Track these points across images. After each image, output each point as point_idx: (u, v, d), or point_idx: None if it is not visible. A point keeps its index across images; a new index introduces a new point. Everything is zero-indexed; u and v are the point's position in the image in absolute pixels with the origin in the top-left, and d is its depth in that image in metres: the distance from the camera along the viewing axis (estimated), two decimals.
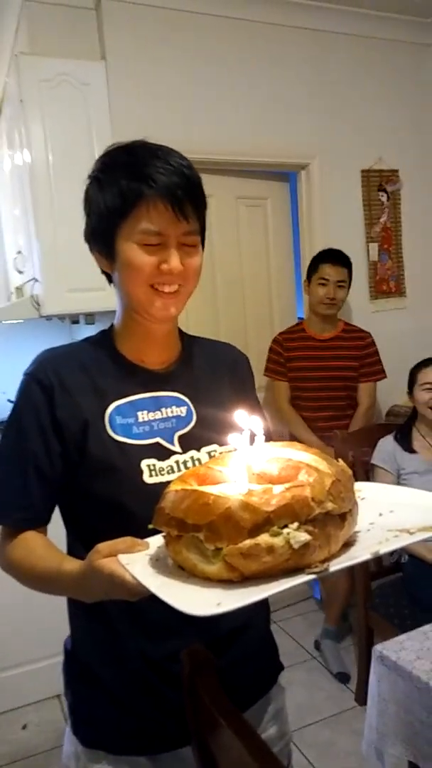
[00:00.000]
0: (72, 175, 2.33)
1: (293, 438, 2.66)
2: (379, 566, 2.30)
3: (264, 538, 0.64)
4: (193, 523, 0.67)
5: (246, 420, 0.76)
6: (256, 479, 0.70)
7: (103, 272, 0.97)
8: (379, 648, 1.32)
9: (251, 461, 0.73)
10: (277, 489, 0.67)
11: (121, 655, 0.93)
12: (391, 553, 2.37)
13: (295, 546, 0.64)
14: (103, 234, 0.90)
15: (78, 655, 1.00)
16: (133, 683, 0.93)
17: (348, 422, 2.64)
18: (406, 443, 2.23)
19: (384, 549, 0.67)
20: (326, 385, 2.64)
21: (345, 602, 2.59)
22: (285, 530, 0.65)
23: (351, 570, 2.44)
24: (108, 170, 0.89)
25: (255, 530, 0.64)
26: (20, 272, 2.75)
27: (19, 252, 2.76)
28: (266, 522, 0.65)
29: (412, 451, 2.21)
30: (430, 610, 1.95)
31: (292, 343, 2.71)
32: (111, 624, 0.92)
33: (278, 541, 0.64)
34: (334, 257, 2.63)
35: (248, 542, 0.64)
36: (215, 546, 0.66)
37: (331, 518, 0.68)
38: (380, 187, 3.08)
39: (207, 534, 0.66)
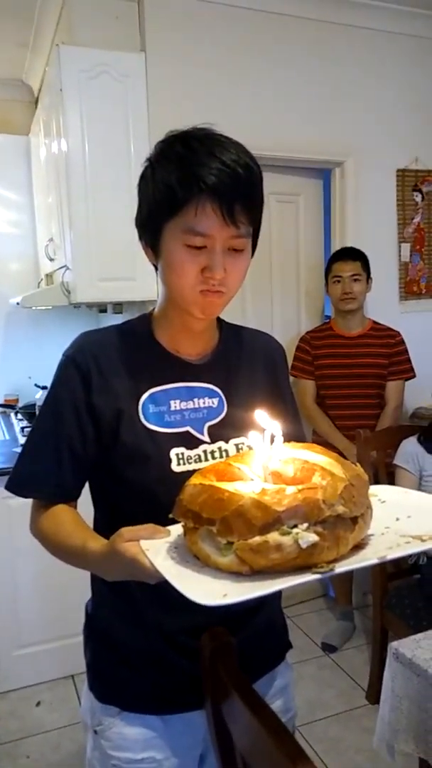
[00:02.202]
0: (107, 166, 2.37)
1: (317, 437, 2.67)
2: (397, 567, 2.29)
3: (273, 536, 0.67)
4: (207, 517, 0.70)
5: (266, 420, 0.78)
6: (272, 479, 0.73)
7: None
8: (395, 645, 1.32)
9: (269, 461, 0.75)
10: (290, 490, 0.69)
11: (138, 624, 0.96)
12: (410, 555, 2.37)
13: (303, 546, 0.66)
14: (150, 227, 0.90)
15: (97, 618, 1.04)
16: (148, 651, 0.97)
17: (375, 422, 2.63)
18: (429, 445, 2.21)
19: (392, 555, 0.69)
20: (354, 383, 2.64)
21: (349, 580, 2.72)
22: (294, 530, 0.67)
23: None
24: (162, 160, 0.87)
25: (265, 528, 0.67)
26: (51, 259, 2.80)
27: (51, 239, 2.80)
28: (276, 521, 0.67)
29: None
30: None
31: (320, 341, 2.72)
32: (131, 595, 0.95)
33: (287, 540, 0.67)
34: (345, 253, 2.67)
35: (258, 539, 0.67)
36: (227, 540, 0.69)
37: (341, 521, 0.70)
38: (415, 187, 3.05)
39: (220, 528, 0.69)
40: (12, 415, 3.29)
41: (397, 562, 2.29)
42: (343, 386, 2.65)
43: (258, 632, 1.02)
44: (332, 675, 2.47)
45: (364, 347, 2.66)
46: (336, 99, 2.82)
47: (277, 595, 1.09)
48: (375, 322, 2.75)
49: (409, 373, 2.69)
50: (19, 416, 3.16)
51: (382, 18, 2.83)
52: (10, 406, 3.34)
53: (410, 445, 2.24)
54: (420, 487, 2.16)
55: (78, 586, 1.05)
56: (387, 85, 2.93)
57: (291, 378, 2.73)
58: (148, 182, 0.89)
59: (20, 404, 3.30)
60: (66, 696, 2.35)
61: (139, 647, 0.97)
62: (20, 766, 2.07)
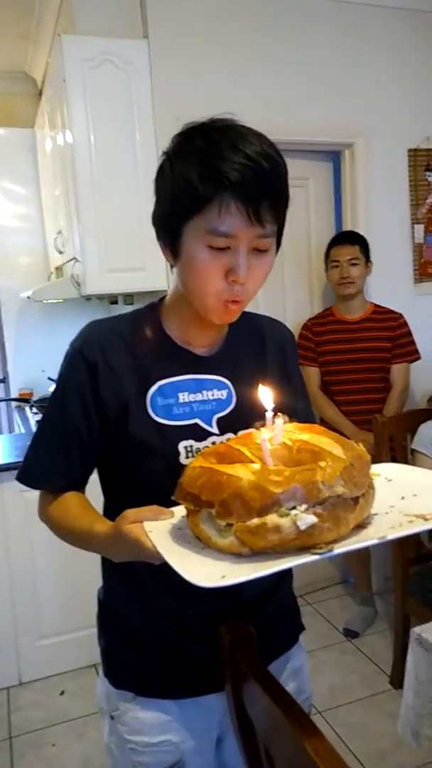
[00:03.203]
0: (113, 155, 2.35)
1: (324, 423, 2.65)
2: (419, 552, 2.27)
3: (272, 518, 0.67)
4: (206, 500, 0.70)
5: (269, 400, 0.77)
6: (272, 460, 0.72)
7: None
8: (417, 630, 1.31)
9: (270, 442, 0.74)
10: (289, 471, 0.69)
11: (149, 610, 0.97)
12: (430, 539, 2.35)
13: (302, 527, 0.66)
14: (169, 226, 0.85)
15: (109, 605, 1.05)
16: (161, 637, 0.97)
17: (381, 405, 2.61)
18: None
19: (392, 535, 0.68)
20: (358, 368, 2.63)
21: (367, 567, 2.71)
22: (293, 511, 0.67)
23: (389, 550, 2.50)
24: (182, 154, 0.82)
25: (264, 510, 0.67)
26: (60, 252, 2.79)
27: (60, 232, 2.79)
28: (275, 503, 0.67)
29: None
30: None
31: (322, 327, 2.71)
32: (141, 582, 0.95)
33: (285, 522, 0.66)
34: (343, 238, 2.67)
35: (256, 521, 0.67)
36: (227, 522, 0.69)
37: (342, 501, 0.69)
38: (428, 167, 2.99)
39: (219, 510, 0.69)
40: (27, 408, 3.31)
41: (419, 546, 2.28)
42: (347, 371, 2.64)
43: (270, 617, 1.02)
44: (355, 660, 2.46)
45: (367, 331, 2.65)
46: (344, 79, 2.77)
47: (288, 579, 1.10)
48: (377, 305, 2.72)
49: (413, 355, 2.67)
50: (34, 410, 3.18)
51: None
52: (24, 400, 3.36)
53: (428, 429, 2.21)
54: None
55: (97, 575, 1.06)
56: (396, 64, 2.86)
57: None
58: (166, 178, 0.85)
59: (34, 398, 3.32)
60: (89, 685, 2.37)
61: (152, 633, 0.98)
62: (46, 754, 2.10)
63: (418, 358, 2.69)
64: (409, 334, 2.67)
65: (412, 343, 2.67)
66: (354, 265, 2.61)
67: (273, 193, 0.81)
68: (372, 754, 1.97)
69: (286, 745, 0.70)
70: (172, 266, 0.91)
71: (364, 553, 2.69)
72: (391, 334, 2.64)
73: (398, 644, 2.22)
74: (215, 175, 0.77)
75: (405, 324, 2.67)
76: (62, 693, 2.38)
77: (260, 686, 0.75)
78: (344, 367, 2.64)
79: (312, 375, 2.70)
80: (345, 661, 2.46)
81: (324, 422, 2.65)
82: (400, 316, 2.68)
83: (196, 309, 0.89)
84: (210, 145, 0.79)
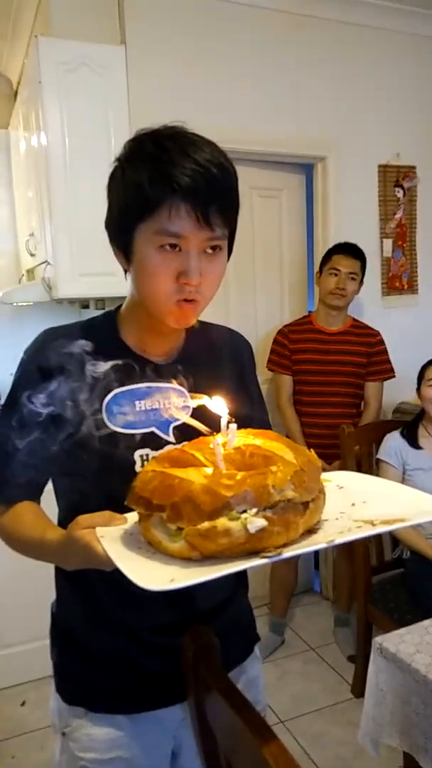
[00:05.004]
0: (88, 159, 2.34)
1: (288, 436, 2.66)
2: (381, 561, 2.31)
3: (222, 522, 0.67)
4: (158, 503, 0.71)
5: (222, 407, 0.78)
6: (224, 465, 0.73)
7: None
8: (379, 640, 1.33)
9: (222, 447, 0.75)
10: (240, 475, 0.70)
11: (102, 623, 0.96)
12: (393, 549, 2.39)
13: (252, 531, 0.67)
14: (120, 230, 0.86)
15: (61, 618, 1.04)
16: (114, 651, 0.96)
17: (350, 420, 2.58)
18: (412, 439, 2.23)
19: (340, 539, 0.69)
20: (332, 380, 2.61)
21: (350, 589, 2.63)
22: (243, 515, 0.68)
23: (352, 559, 2.50)
24: (133, 159, 0.83)
25: (214, 513, 0.68)
26: (32, 255, 2.76)
27: (32, 234, 2.76)
28: (225, 506, 0.67)
29: (418, 447, 2.21)
30: (431, 607, 1.96)
31: (299, 335, 2.67)
32: (94, 594, 0.94)
33: (235, 525, 0.67)
34: (348, 249, 2.62)
35: (206, 524, 0.68)
36: (177, 526, 0.70)
37: (292, 506, 0.70)
38: (397, 183, 3.06)
39: (170, 514, 0.70)
40: None
41: (381, 556, 2.31)
42: (319, 383, 2.62)
43: (225, 628, 1.01)
44: (318, 670, 2.48)
45: (344, 344, 2.63)
46: (318, 94, 2.81)
47: (243, 589, 1.10)
48: (355, 320, 2.73)
49: (389, 373, 2.68)
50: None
51: (364, 13, 2.83)
52: None
53: (393, 440, 2.26)
54: (404, 481, 2.17)
55: None
56: (369, 81, 2.92)
57: (268, 374, 2.71)
58: (117, 183, 0.86)
59: (1, 401, 3.25)
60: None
61: (105, 647, 0.97)
62: (5, 766, 2.05)
63: (393, 377, 2.69)
64: (385, 352, 2.67)
65: (388, 361, 2.68)
66: (352, 279, 2.58)
67: (222, 197, 0.82)
68: (333, 762, 1.99)
69: (247, 756, 0.70)
70: (125, 271, 0.92)
71: (344, 571, 2.65)
72: (368, 350, 2.64)
73: (360, 653, 2.24)
74: (165, 180, 0.79)
75: (382, 342, 2.67)
76: (23, 703, 2.33)
77: (223, 698, 0.74)
78: (317, 378, 2.62)
79: (284, 383, 2.67)
80: (308, 670, 2.48)
81: (288, 435, 2.66)
82: (378, 333, 2.68)
83: (152, 314, 0.89)
84: (161, 151, 0.81)
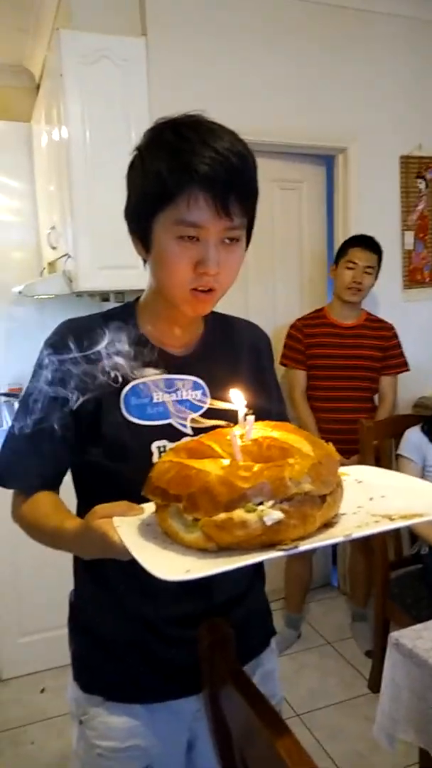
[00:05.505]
0: (108, 153, 2.34)
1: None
2: (399, 557, 2.29)
3: (238, 513, 0.67)
4: (174, 494, 0.71)
5: (240, 399, 0.78)
6: (242, 456, 0.73)
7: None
8: (395, 635, 1.32)
9: (240, 439, 0.75)
10: (257, 467, 0.70)
11: (120, 614, 0.97)
12: (412, 544, 2.37)
13: (268, 523, 0.66)
14: (139, 218, 0.87)
15: (79, 608, 1.05)
16: (131, 641, 0.97)
17: (365, 415, 2.56)
18: None
19: (357, 533, 0.68)
20: (347, 374, 2.58)
21: (367, 584, 2.63)
22: (260, 507, 0.67)
23: (368, 553, 2.49)
24: (152, 148, 0.84)
25: (231, 505, 0.67)
26: (53, 248, 2.78)
27: (53, 227, 2.78)
28: (242, 498, 0.67)
29: None
30: None
31: (313, 329, 2.64)
32: (112, 584, 0.95)
33: (251, 517, 0.67)
34: (365, 242, 2.57)
35: (223, 516, 0.67)
36: (194, 516, 0.70)
37: (309, 499, 0.69)
38: (419, 174, 3.01)
39: (186, 505, 0.70)
40: (16, 404, 3.29)
41: (400, 551, 2.29)
42: (334, 377, 2.59)
43: (242, 620, 1.02)
44: (334, 664, 2.48)
45: (359, 338, 2.61)
46: (339, 85, 2.78)
47: (260, 582, 1.10)
48: (369, 313, 2.69)
49: (403, 367, 2.66)
50: None
51: (387, 1, 2.78)
52: (14, 395, 3.34)
53: (414, 435, 2.23)
54: (424, 477, 2.15)
55: None
56: (390, 71, 2.88)
57: (282, 368, 2.69)
58: (137, 172, 0.86)
59: (22, 392, 3.29)
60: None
61: (122, 637, 0.98)
62: (24, 752, 2.09)
63: (408, 370, 2.67)
64: (399, 346, 2.65)
65: (402, 355, 2.65)
66: (368, 273, 2.54)
67: (241, 186, 0.82)
68: (348, 757, 1.99)
69: (260, 749, 0.70)
70: (144, 261, 0.92)
71: (360, 566, 2.67)
72: (383, 344, 2.61)
73: (377, 649, 2.24)
74: (184, 168, 0.79)
75: (396, 336, 2.65)
76: (43, 690, 2.37)
77: (238, 690, 0.75)
78: (332, 373, 2.59)
79: (298, 378, 2.65)
80: (325, 664, 2.48)
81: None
82: (392, 327, 2.65)
83: (170, 303, 0.90)
84: (180, 139, 0.81)
